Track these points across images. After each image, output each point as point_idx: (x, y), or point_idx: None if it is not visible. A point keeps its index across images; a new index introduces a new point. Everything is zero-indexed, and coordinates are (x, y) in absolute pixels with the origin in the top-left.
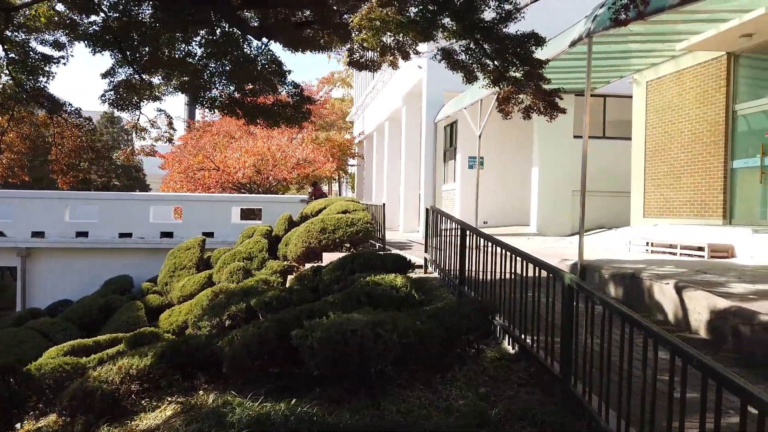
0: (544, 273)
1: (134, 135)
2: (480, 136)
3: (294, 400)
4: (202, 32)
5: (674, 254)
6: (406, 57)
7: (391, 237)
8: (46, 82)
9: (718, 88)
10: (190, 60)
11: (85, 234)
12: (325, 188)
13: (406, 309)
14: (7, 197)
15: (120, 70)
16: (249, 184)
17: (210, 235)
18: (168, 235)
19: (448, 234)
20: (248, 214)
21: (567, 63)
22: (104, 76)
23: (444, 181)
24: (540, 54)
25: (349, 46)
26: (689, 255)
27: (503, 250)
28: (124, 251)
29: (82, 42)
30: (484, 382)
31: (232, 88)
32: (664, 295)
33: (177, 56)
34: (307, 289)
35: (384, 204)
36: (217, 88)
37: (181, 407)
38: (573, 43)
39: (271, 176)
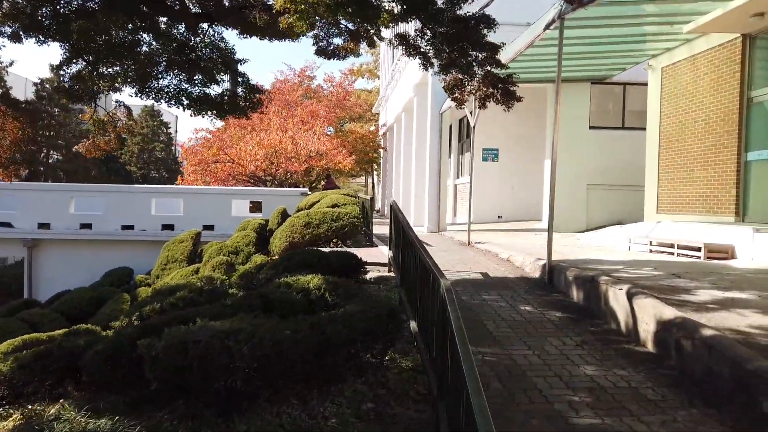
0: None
1: (95, 128)
2: (474, 127)
3: (118, 417)
4: (147, 22)
5: (671, 254)
6: (371, 44)
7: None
8: None
9: (732, 73)
10: (138, 49)
11: (89, 226)
12: (359, 181)
13: (309, 314)
14: (14, 189)
15: (72, 61)
16: (264, 176)
17: (210, 228)
18: (169, 227)
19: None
20: (254, 207)
21: (576, 48)
22: (56, 68)
23: (459, 175)
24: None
25: (315, 32)
26: (686, 256)
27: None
28: (126, 243)
29: (30, 35)
30: (375, 398)
31: (178, 78)
32: (617, 301)
33: (124, 45)
34: (241, 287)
35: (372, 198)
36: (163, 78)
37: (25, 420)
38: (547, 26)
39: (282, 169)
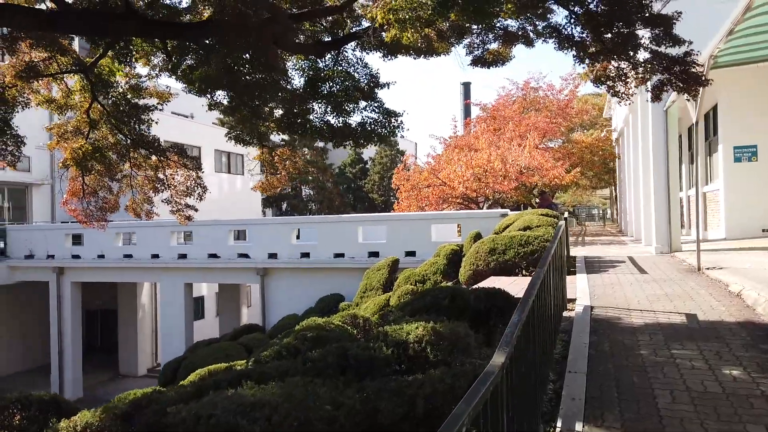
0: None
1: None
2: (696, 123)
3: None
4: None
5: None
6: (529, 43)
7: (616, 252)
8: (145, 129)
9: None
10: (287, 87)
11: (307, 255)
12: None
13: (402, 375)
14: (247, 224)
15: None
16: (476, 196)
17: (412, 254)
18: (374, 254)
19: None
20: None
21: None
22: (222, 124)
23: (708, 181)
24: None
25: (468, 40)
26: None
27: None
28: (337, 270)
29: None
30: None
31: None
32: None
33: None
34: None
35: (566, 218)
36: (312, 112)
37: None
38: None
39: (490, 189)
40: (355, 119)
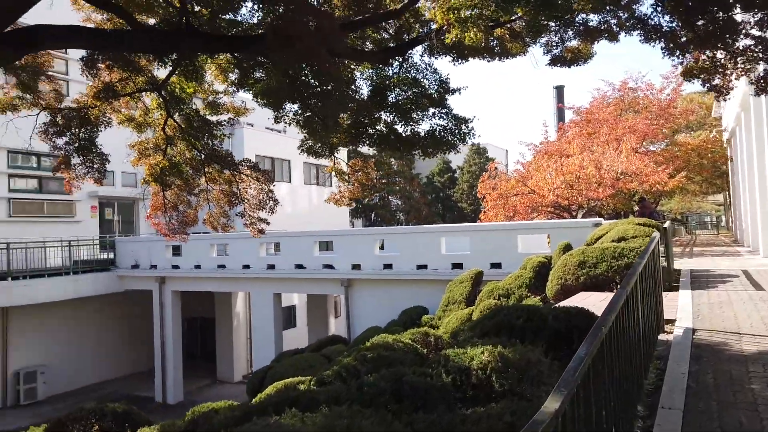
0: None
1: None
2: None
3: None
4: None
5: None
6: (612, 38)
7: (728, 265)
8: (217, 144)
9: None
10: (354, 96)
11: (390, 266)
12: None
13: (468, 404)
14: (332, 235)
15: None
16: (568, 204)
17: (497, 266)
18: (458, 266)
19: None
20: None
21: None
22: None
23: None
24: None
25: (545, 39)
26: None
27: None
28: (420, 282)
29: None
30: None
31: (392, 119)
32: None
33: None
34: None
35: (666, 227)
36: (380, 122)
37: None
38: None
39: (583, 196)
40: (423, 127)
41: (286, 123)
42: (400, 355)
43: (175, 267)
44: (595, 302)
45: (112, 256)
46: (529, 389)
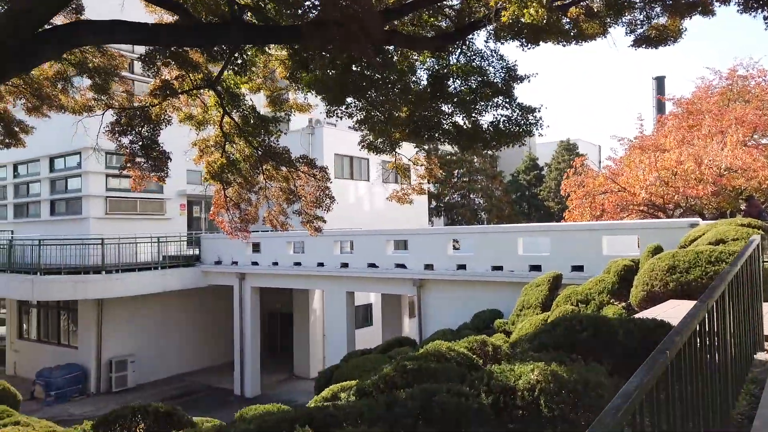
0: None
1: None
2: None
3: None
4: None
5: None
6: (706, 11)
7: None
8: (273, 141)
9: None
10: (411, 87)
11: (463, 267)
12: None
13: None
14: (404, 234)
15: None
16: (663, 203)
17: (579, 269)
18: (536, 268)
19: None
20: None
21: None
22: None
23: None
24: None
25: (628, 17)
26: None
27: None
28: (495, 284)
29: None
30: None
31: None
32: None
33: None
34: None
35: None
36: (441, 114)
37: None
38: None
39: (681, 194)
40: (486, 119)
41: (338, 117)
42: (448, 367)
43: (255, 264)
44: (684, 312)
45: (197, 252)
46: (585, 416)
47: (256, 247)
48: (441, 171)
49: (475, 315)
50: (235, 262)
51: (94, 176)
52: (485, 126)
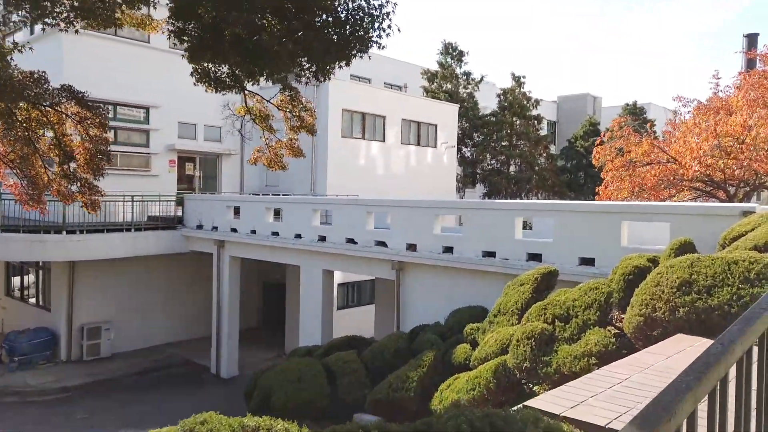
0: None
1: None
2: None
3: None
4: None
5: None
6: None
7: None
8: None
9: None
10: None
11: (450, 250)
12: None
13: None
14: (386, 205)
15: None
16: (724, 179)
17: (589, 262)
18: (536, 258)
19: None
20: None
21: None
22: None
23: None
24: None
25: None
26: None
27: None
28: (484, 274)
29: None
30: None
31: None
32: None
33: None
34: None
35: None
36: None
37: None
38: None
39: (745, 169)
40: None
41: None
42: None
43: (234, 230)
44: (693, 359)
45: (180, 213)
46: None
47: (237, 212)
48: (312, 117)
49: (452, 312)
50: (215, 228)
51: None
52: (300, 34)
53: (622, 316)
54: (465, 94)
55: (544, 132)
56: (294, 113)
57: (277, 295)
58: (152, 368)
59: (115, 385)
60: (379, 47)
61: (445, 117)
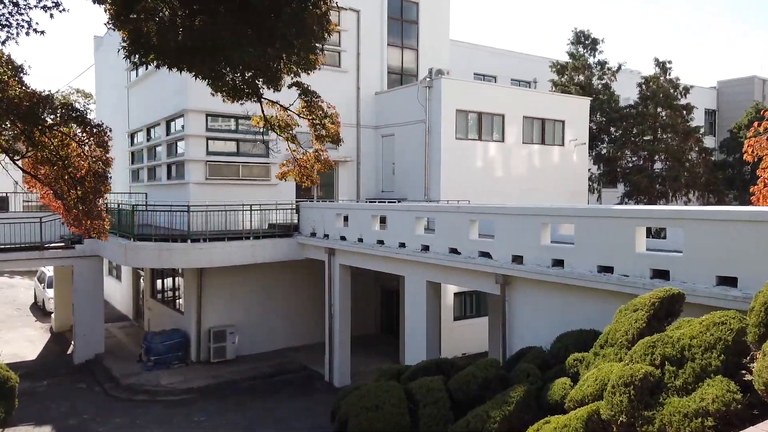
0: None
1: None
2: None
3: None
4: None
5: None
6: None
7: None
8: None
9: None
10: None
11: (560, 263)
12: None
13: None
14: (490, 213)
15: None
16: None
17: (731, 282)
18: (662, 275)
19: None
20: None
21: None
22: None
23: None
24: None
25: None
26: None
27: None
28: (600, 293)
29: None
30: None
31: None
32: None
33: None
34: None
35: None
36: None
37: None
38: None
39: None
40: None
41: None
42: None
43: (342, 238)
44: None
45: (296, 221)
46: None
47: (346, 220)
48: (337, 125)
49: (558, 336)
50: (327, 235)
51: (194, 139)
52: None
53: (745, 361)
54: (600, 86)
55: (697, 123)
56: (317, 121)
57: (395, 301)
58: (270, 373)
59: (234, 388)
60: None
61: (574, 112)
